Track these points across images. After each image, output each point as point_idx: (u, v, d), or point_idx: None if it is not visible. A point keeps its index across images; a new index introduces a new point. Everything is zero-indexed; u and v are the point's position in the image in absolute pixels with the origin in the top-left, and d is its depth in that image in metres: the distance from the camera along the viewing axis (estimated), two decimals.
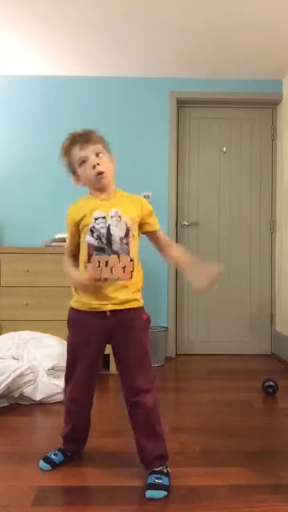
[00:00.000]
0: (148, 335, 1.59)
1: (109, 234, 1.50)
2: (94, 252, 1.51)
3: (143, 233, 1.63)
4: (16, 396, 2.28)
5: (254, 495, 1.43)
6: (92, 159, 1.54)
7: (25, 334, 2.66)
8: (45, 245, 3.14)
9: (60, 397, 2.35)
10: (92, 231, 1.51)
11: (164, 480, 1.46)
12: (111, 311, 1.51)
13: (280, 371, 3.06)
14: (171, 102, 3.49)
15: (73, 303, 1.60)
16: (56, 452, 1.66)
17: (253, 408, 2.30)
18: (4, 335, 2.70)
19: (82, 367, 1.57)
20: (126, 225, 1.53)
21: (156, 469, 1.50)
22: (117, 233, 1.51)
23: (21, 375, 2.25)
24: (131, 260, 1.52)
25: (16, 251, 3.03)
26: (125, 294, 1.51)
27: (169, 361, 3.32)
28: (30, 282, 2.98)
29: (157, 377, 2.84)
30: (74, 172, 1.64)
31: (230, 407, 2.31)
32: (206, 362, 3.30)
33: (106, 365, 2.94)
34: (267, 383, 2.51)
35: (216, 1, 2.48)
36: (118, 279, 1.50)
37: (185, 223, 3.56)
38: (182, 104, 3.56)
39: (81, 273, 1.52)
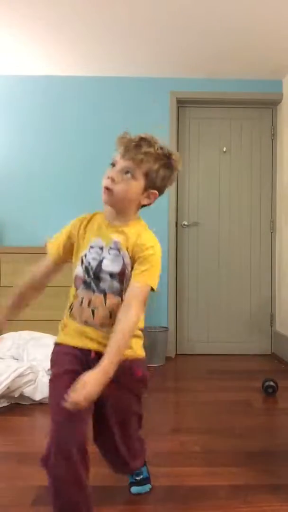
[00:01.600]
0: (139, 398, 1.31)
1: (98, 269, 1.22)
2: (81, 286, 1.25)
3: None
4: (16, 396, 2.28)
5: (254, 495, 1.43)
6: (113, 172, 1.25)
7: (25, 334, 2.66)
8: (45, 245, 3.14)
9: None
10: (82, 261, 1.26)
11: (144, 473, 1.48)
12: (96, 352, 1.18)
13: (280, 371, 3.06)
14: (171, 102, 3.49)
15: (57, 339, 1.34)
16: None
17: (253, 408, 2.30)
18: (4, 335, 2.70)
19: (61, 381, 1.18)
20: (124, 261, 1.22)
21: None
22: (109, 268, 1.22)
23: (21, 375, 2.25)
24: (122, 302, 1.19)
25: (16, 251, 3.03)
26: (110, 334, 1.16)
27: (169, 361, 3.32)
28: None
29: (157, 377, 2.86)
30: None
31: (230, 407, 2.31)
32: (206, 362, 3.30)
33: None
34: (267, 383, 2.51)
35: (216, 1, 2.48)
36: (100, 325, 1.20)
37: (185, 223, 3.56)
38: (182, 104, 3.56)
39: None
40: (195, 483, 1.52)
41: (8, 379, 2.19)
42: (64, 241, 1.33)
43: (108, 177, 1.25)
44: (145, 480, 1.47)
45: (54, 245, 1.35)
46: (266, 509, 1.36)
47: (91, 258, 1.24)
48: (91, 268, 1.24)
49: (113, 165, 1.27)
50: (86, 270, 1.24)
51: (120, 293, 1.21)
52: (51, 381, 1.24)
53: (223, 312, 3.58)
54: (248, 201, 3.61)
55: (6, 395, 2.24)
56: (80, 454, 1.15)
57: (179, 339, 3.55)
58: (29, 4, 2.51)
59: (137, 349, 1.28)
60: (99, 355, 1.14)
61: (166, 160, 1.26)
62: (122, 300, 1.20)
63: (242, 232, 3.60)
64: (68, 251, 1.32)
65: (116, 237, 1.24)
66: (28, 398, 2.31)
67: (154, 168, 1.25)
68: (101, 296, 1.22)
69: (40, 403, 2.31)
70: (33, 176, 3.48)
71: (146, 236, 1.26)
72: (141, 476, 1.47)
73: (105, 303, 1.21)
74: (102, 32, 2.84)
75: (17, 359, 2.50)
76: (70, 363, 1.21)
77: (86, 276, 1.24)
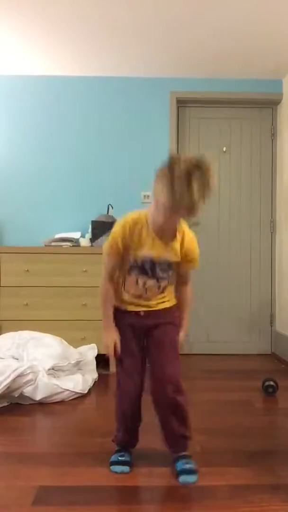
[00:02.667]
0: (176, 335, 1.62)
1: (153, 270, 1.54)
2: (136, 271, 1.54)
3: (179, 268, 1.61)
4: (16, 396, 2.28)
5: (254, 495, 1.43)
6: (175, 224, 1.51)
7: (25, 334, 2.66)
8: (45, 245, 3.14)
9: (60, 397, 2.36)
10: (136, 261, 1.53)
11: (193, 464, 1.54)
12: (144, 311, 1.59)
13: (280, 371, 3.06)
14: (171, 102, 3.49)
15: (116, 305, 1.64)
16: (120, 453, 1.63)
17: (253, 408, 2.30)
18: (4, 335, 2.70)
19: (126, 361, 1.60)
20: (171, 267, 1.56)
21: (182, 454, 1.57)
22: (161, 273, 1.55)
23: (21, 375, 2.25)
24: (168, 283, 1.60)
25: (16, 251, 3.03)
26: (156, 301, 1.59)
27: None
28: (30, 282, 2.98)
29: None
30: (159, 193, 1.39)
31: (230, 407, 2.31)
32: (206, 362, 3.30)
33: (106, 365, 2.93)
34: (267, 383, 2.51)
35: (216, 1, 2.48)
36: (150, 299, 1.58)
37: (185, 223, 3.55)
38: (182, 104, 3.56)
39: (112, 332, 1.58)
40: (195, 483, 1.51)
41: (8, 379, 2.18)
42: (121, 253, 1.54)
43: (170, 225, 1.50)
44: (193, 471, 1.52)
45: (115, 267, 1.58)
46: (266, 509, 1.36)
47: (147, 267, 1.53)
48: (148, 270, 1.54)
49: (170, 216, 1.44)
50: (142, 266, 1.53)
51: (168, 279, 1.57)
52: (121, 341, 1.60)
53: (223, 312, 3.58)
54: (248, 201, 3.61)
55: (6, 395, 2.24)
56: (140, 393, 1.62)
57: None
58: (29, 4, 2.51)
59: (174, 302, 1.65)
60: (147, 314, 1.59)
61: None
62: (168, 282, 1.58)
63: (242, 232, 3.60)
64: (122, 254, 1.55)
65: (164, 255, 1.52)
66: (28, 398, 2.31)
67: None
68: (155, 281, 1.55)
69: (40, 403, 2.31)
70: (33, 176, 3.48)
71: (191, 240, 1.57)
72: (191, 465, 1.54)
73: (157, 286, 1.56)
74: (102, 32, 2.84)
75: (17, 359, 2.50)
76: (128, 331, 1.60)
77: (142, 269, 1.53)
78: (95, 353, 2.83)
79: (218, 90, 3.49)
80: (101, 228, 3.12)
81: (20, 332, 2.69)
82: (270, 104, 3.60)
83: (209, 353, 3.51)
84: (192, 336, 3.56)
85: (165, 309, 1.61)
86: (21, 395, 2.30)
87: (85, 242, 3.17)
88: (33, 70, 3.40)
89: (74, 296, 2.98)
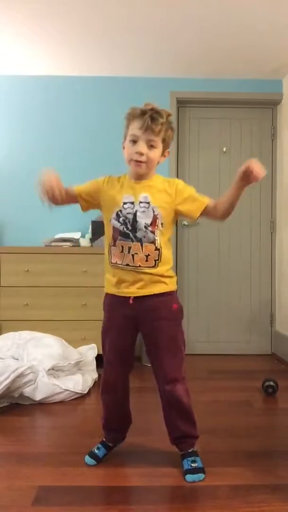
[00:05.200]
0: (180, 326, 1.56)
1: (134, 221, 1.48)
2: (119, 237, 1.50)
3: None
4: (16, 396, 2.28)
5: (254, 495, 1.43)
6: (141, 147, 1.47)
7: (25, 334, 2.66)
8: (45, 245, 3.14)
9: (60, 397, 2.35)
10: (118, 215, 1.50)
11: (199, 463, 1.57)
12: (134, 298, 1.50)
13: (280, 371, 3.06)
14: (171, 102, 3.49)
15: (105, 288, 1.61)
16: (99, 445, 1.68)
17: (253, 408, 2.30)
18: (4, 335, 2.70)
19: (111, 351, 1.58)
20: (154, 212, 1.49)
21: (188, 451, 1.59)
22: (143, 220, 1.48)
23: (21, 375, 2.25)
24: (157, 249, 1.50)
25: (16, 251, 3.04)
26: (149, 279, 1.50)
27: None
28: (30, 282, 2.98)
29: None
30: (124, 139, 1.56)
31: (230, 407, 2.31)
32: (206, 362, 3.30)
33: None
34: (267, 383, 2.51)
35: (216, 1, 2.48)
36: (139, 266, 1.49)
37: (185, 223, 3.56)
38: (182, 104, 3.56)
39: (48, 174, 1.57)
40: (195, 483, 1.52)
41: (8, 379, 2.19)
42: (89, 192, 1.59)
43: (137, 152, 1.47)
44: (200, 470, 1.54)
45: (77, 189, 1.61)
46: (266, 509, 1.36)
47: (126, 213, 1.49)
48: (128, 221, 1.48)
49: (134, 141, 1.48)
50: (124, 222, 1.49)
51: (153, 240, 1.49)
52: (106, 331, 1.59)
53: (223, 312, 3.58)
54: (248, 201, 3.61)
55: (6, 395, 2.24)
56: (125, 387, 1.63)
57: None
58: (29, 4, 2.51)
59: (171, 285, 1.55)
60: (137, 301, 1.50)
61: (171, 123, 1.52)
62: (155, 247, 1.49)
63: (242, 232, 3.60)
64: (90, 198, 1.59)
65: (144, 193, 1.50)
66: (28, 398, 2.31)
67: (168, 133, 1.51)
68: (138, 244, 1.49)
69: (40, 403, 2.31)
70: (33, 176, 3.45)
71: (171, 181, 1.55)
72: (196, 464, 1.55)
73: (142, 249, 1.49)
74: (102, 32, 2.84)
75: (17, 359, 2.50)
76: (117, 318, 1.56)
77: (124, 228, 1.49)
78: (95, 353, 2.83)
79: (218, 90, 3.49)
80: (101, 228, 3.11)
81: (20, 332, 2.69)
82: (270, 104, 3.59)
83: (209, 353, 3.51)
84: (192, 336, 3.56)
85: (160, 298, 1.51)
86: (21, 395, 2.30)
87: (85, 242, 3.17)
88: (33, 70, 3.40)
89: (74, 296, 2.98)
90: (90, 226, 3.18)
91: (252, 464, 1.65)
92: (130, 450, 1.73)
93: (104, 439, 1.69)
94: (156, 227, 1.49)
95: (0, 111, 3.49)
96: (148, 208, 1.49)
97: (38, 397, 2.30)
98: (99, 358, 2.84)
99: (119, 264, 1.51)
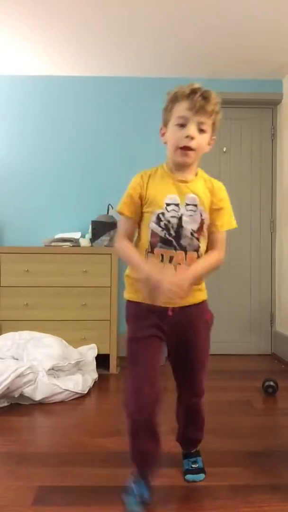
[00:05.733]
0: (209, 338, 1.43)
1: (179, 226, 1.28)
2: (159, 244, 1.29)
3: (207, 231, 1.37)
4: (16, 396, 2.28)
5: (254, 495, 1.43)
6: (192, 131, 1.26)
7: (25, 334, 2.66)
8: (45, 245, 3.14)
9: (60, 397, 2.35)
10: (159, 218, 1.29)
11: (200, 463, 1.56)
12: (173, 309, 1.32)
13: (280, 371, 3.06)
14: None
15: (129, 295, 1.37)
16: (137, 484, 1.34)
17: (253, 408, 2.30)
18: (4, 335, 2.70)
19: (142, 365, 1.32)
20: (201, 216, 1.31)
21: (191, 451, 1.59)
22: (189, 225, 1.29)
23: (21, 375, 2.25)
24: (198, 257, 1.33)
25: (16, 251, 3.03)
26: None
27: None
28: (30, 282, 2.98)
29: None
30: (165, 125, 1.36)
31: (230, 407, 2.31)
32: None
33: (106, 366, 2.94)
34: (267, 383, 2.51)
35: (216, 1, 2.48)
36: None
37: None
38: None
39: (161, 271, 1.22)
40: (195, 483, 1.52)
41: (8, 379, 2.19)
42: (137, 207, 1.34)
43: (187, 136, 1.25)
44: (200, 470, 1.54)
45: (130, 223, 1.36)
46: (266, 509, 1.36)
47: (170, 216, 1.28)
48: (172, 227, 1.28)
49: (182, 125, 1.27)
50: (166, 227, 1.28)
51: (197, 248, 1.32)
52: (131, 342, 1.34)
53: (223, 312, 3.58)
54: (248, 201, 3.61)
55: (6, 395, 2.24)
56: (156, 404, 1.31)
57: None
58: (29, 4, 2.51)
59: (205, 292, 1.43)
60: (176, 311, 1.30)
61: (219, 100, 1.34)
62: (198, 255, 1.31)
63: (242, 232, 3.60)
64: (139, 210, 1.35)
65: (190, 193, 1.30)
66: (28, 398, 2.31)
67: (218, 117, 1.34)
68: (182, 253, 1.29)
69: (40, 403, 2.31)
70: (33, 176, 3.48)
71: (215, 184, 1.37)
72: (197, 465, 1.55)
73: (186, 259, 1.29)
74: (102, 32, 2.84)
75: (17, 359, 2.50)
76: (148, 327, 1.32)
77: (167, 234, 1.28)
78: (95, 353, 2.83)
79: (218, 90, 3.44)
80: (101, 228, 3.12)
81: (20, 332, 2.69)
82: (270, 104, 3.59)
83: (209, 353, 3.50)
84: None
85: (197, 307, 1.36)
86: (21, 395, 2.30)
87: (85, 242, 3.17)
88: (33, 70, 3.40)
89: (74, 296, 2.98)
90: (90, 226, 3.18)
91: (252, 464, 1.65)
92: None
93: (138, 475, 1.36)
94: (201, 233, 1.32)
95: (0, 111, 3.49)
96: (195, 211, 1.30)
97: (38, 397, 2.30)
98: (99, 358, 2.84)
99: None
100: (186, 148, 1.26)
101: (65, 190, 3.48)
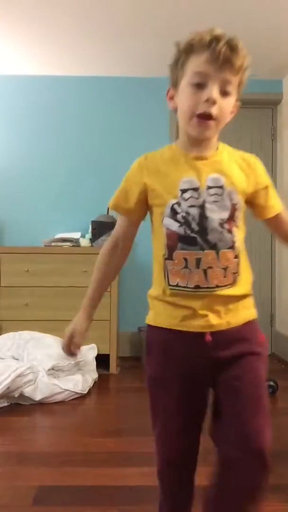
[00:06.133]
0: (266, 365, 1.02)
1: (203, 217, 0.94)
2: (179, 244, 0.95)
3: (260, 218, 1.10)
4: (16, 396, 2.27)
5: None
6: (214, 92, 0.91)
7: (25, 334, 2.66)
8: (45, 245, 3.14)
9: (60, 397, 2.35)
10: (174, 211, 0.94)
11: None
12: (212, 333, 0.94)
13: (280, 371, 3.06)
14: None
15: (150, 319, 1.03)
16: None
17: None
18: (4, 335, 2.70)
19: (175, 413, 1.02)
20: (232, 201, 0.98)
21: None
22: (216, 215, 0.95)
23: (21, 375, 2.25)
24: (236, 256, 1.01)
25: (16, 251, 3.04)
26: (231, 304, 0.98)
27: None
28: (30, 282, 2.98)
29: None
30: (175, 85, 1.00)
31: None
32: None
33: (106, 366, 2.93)
34: (267, 383, 2.50)
35: (216, 1, 2.48)
36: (216, 287, 0.95)
37: None
38: None
39: (78, 319, 1.08)
40: (195, 483, 1.51)
41: (8, 379, 2.19)
42: (136, 203, 1.01)
43: (207, 100, 0.90)
44: None
45: (124, 225, 1.06)
46: (266, 509, 1.36)
47: (188, 206, 0.94)
48: (193, 218, 0.94)
49: (200, 84, 0.92)
50: (185, 220, 0.94)
51: (233, 244, 0.99)
52: (153, 383, 1.02)
53: None
54: None
55: (6, 395, 2.24)
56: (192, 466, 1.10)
57: None
58: (29, 4, 2.51)
59: (254, 309, 1.06)
60: (216, 338, 0.93)
61: (248, 54, 0.98)
62: (234, 254, 1.00)
63: None
64: (141, 208, 1.02)
65: (213, 172, 0.97)
66: (28, 398, 2.31)
67: (246, 75, 1.02)
68: (213, 252, 0.95)
69: (40, 403, 2.31)
70: (33, 176, 3.48)
71: (246, 156, 1.07)
72: None
73: (219, 260, 0.96)
74: (102, 32, 2.84)
75: (17, 359, 2.50)
76: (177, 362, 0.96)
77: (187, 229, 0.94)
78: (95, 353, 2.83)
79: None
80: (101, 228, 3.12)
81: (20, 332, 2.69)
82: (270, 104, 3.59)
83: None
84: None
85: (244, 328, 0.98)
86: (21, 395, 2.30)
87: (85, 242, 3.17)
88: (32, 70, 3.40)
89: (74, 296, 2.97)
90: (90, 226, 3.18)
91: None
92: (129, 451, 1.73)
93: None
94: (234, 223, 1.00)
95: (0, 111, 3.49)
96: (221, 195, 0.96)
97: (38, 397, 2.30)
98: (99, 358, 2.84)
99: (182, 287, 0.95)
100: (205, 117, 0.92)
101: (65, 190, 3.48)
